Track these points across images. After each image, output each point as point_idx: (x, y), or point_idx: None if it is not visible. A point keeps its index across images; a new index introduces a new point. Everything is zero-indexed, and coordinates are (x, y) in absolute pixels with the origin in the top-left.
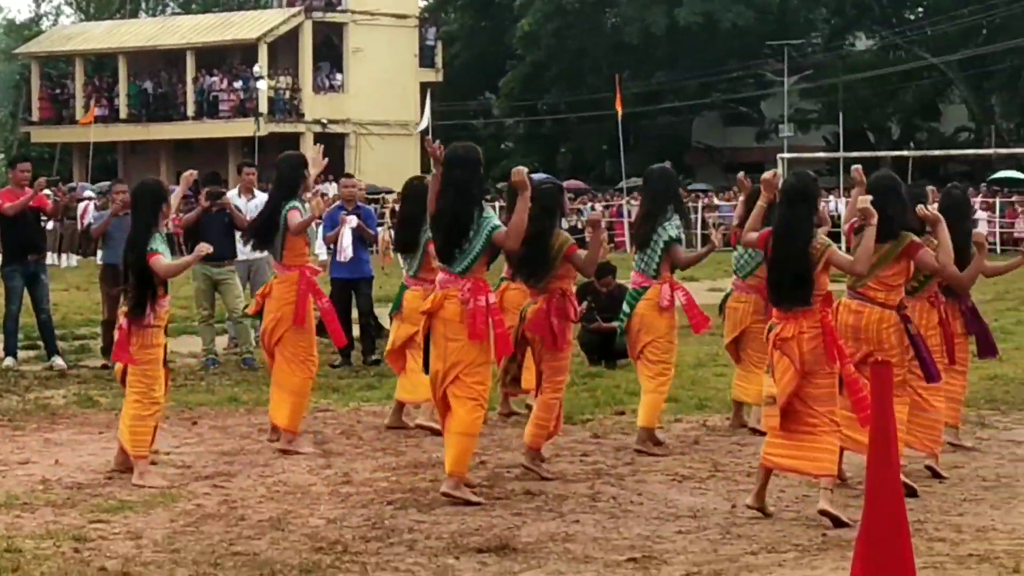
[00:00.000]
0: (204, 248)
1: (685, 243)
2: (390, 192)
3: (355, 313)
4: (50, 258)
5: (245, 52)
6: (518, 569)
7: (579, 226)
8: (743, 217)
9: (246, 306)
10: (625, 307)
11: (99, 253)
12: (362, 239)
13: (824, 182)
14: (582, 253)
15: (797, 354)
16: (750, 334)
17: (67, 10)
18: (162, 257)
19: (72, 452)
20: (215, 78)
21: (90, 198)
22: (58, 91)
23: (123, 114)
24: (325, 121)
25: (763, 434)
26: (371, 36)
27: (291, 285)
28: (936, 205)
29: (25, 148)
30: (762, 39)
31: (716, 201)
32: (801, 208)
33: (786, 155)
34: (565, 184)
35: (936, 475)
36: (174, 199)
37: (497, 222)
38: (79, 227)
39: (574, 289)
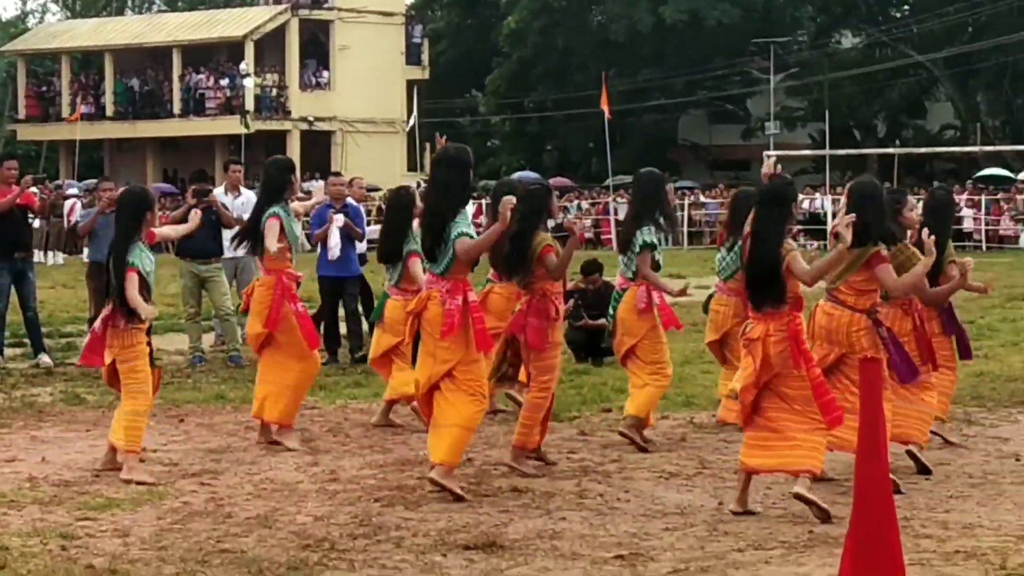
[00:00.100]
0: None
1: (672, 241)
2: (377, 190)
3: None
4: (36, 256)
5: (231, 49)
6: (505, 566)
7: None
8: (729, 218)
9: (237, 306)
10: (611, 309)
11: (85, 251)
12: (350, 237)
13: (810, 179)
14: (554, 257)
15: (760, 355)
16: (732, 336)
17: (53, 7)
18: (135, 276)
19: (59, 450)
20: (201, 75)
21: (76, 195)
22: (44, 89)
23: (109, 112)
24: (311, 119)
25: None
26: (357, 33)
27: (269, 289)
28: (920, 205)
29: (11, 146)
30: (748, 37)
31: (702, 199)
32: (775, 210)
33: (772, 153)
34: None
35: (921, 466)
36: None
37: (464, 229)
38: (65, 225)
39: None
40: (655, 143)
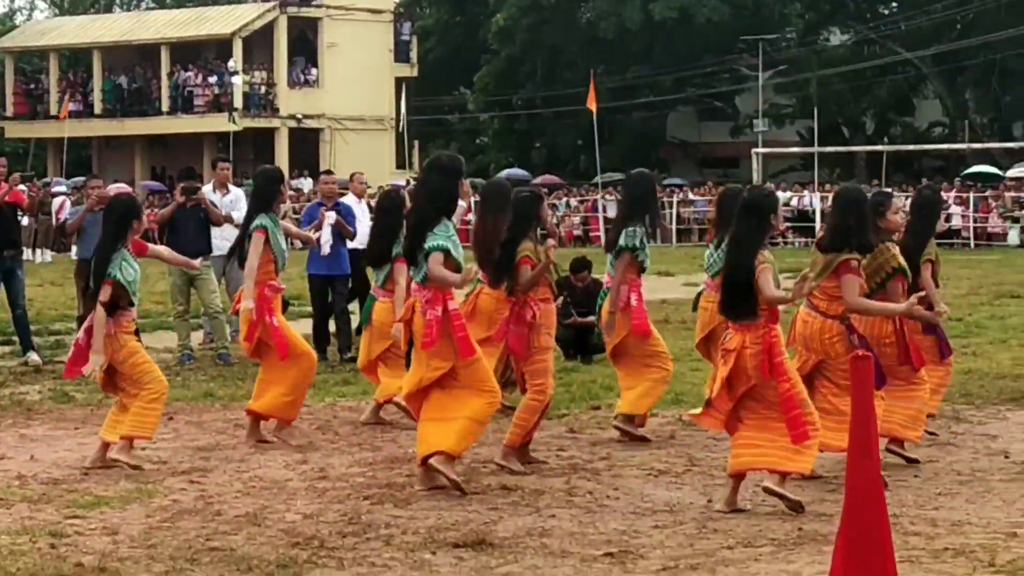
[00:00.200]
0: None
1: (661, 238)
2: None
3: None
4: (25, 253)
5: (220, 47)
6: (495, 564)
7: (555, 221)
8: (717, 215)
9: (226, 304)
10: (597, 307)
11: (74, 248)
12: (341, 235)
13: (798, 177)
14: (529, 270)
15: (731, 366)
16: (718, 333)
17: (41, 5)
18: (109, 289)
19: (48, 448)
20: (190, 73)
21: (64, 193)
22: (32, 86)
23: (98, 109)
24: (300, 116)
25: None
26: (346, 31)
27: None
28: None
29: None
30: (737, 34)
31: (691, 196)
32: (752, 220)
33: (761, 150)
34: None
35: (907, 460)
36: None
37: (440, 242)
38: (54, 222)
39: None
40: (644, 140)
